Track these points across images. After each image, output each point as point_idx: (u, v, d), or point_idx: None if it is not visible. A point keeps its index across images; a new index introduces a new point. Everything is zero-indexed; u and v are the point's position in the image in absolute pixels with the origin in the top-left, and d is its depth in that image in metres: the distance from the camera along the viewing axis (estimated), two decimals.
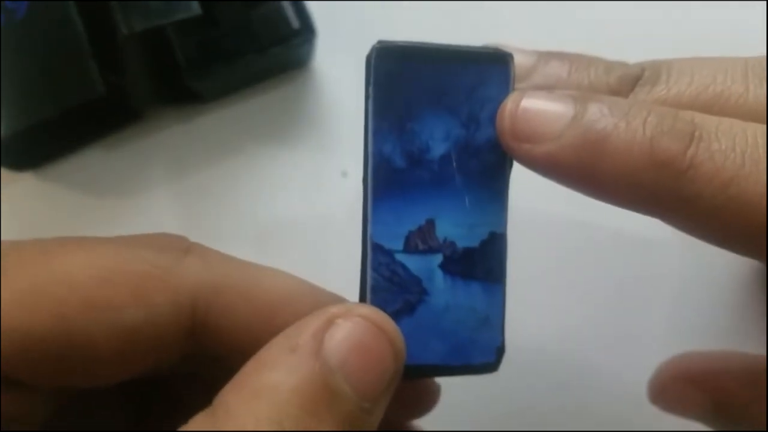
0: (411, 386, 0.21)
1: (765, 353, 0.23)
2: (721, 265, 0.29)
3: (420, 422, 0.23)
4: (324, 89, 0.31)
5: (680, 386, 0.23)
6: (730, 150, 0.16)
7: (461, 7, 0.32)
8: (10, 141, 0.27)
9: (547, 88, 0.19)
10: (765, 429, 0.21)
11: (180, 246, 0.18)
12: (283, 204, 0.30)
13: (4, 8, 0.27)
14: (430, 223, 0.17)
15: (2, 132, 0.26)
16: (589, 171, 0.16)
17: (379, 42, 0.17)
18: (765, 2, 0.32)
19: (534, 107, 0.17)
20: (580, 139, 0.16)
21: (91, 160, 0.30)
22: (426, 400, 0.22)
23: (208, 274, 0.17)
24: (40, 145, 0.29)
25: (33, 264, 0.16)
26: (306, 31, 0.29)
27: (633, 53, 0.32)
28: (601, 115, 0.16)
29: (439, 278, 0.17)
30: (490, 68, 0.17)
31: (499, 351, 0.18)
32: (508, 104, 0.17)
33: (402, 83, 0.17)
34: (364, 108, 0.17)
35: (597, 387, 0.29)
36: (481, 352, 0.18)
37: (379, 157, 0.17)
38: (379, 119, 0.17)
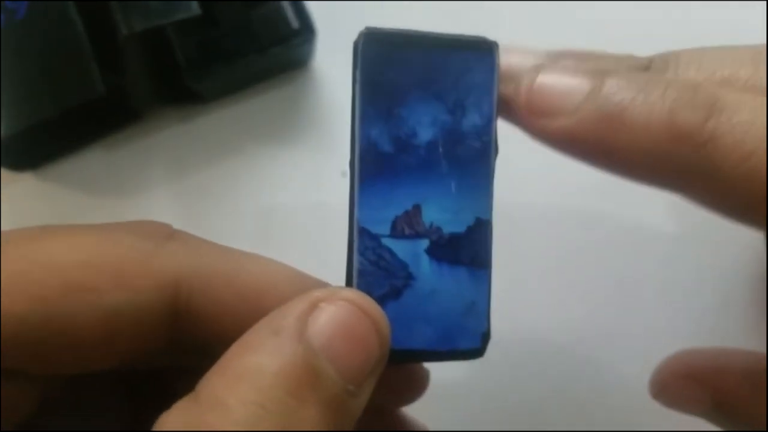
0: (399, 371, 0.21)
1: (766, 351, 0.23)
2: (725, 264, 0.29)
3: (422, 418, 0.23)
4: (324, 89, 0.31)
5: (681, 383, 0.23)
6: (750, 123, 0.15)
7: (461, 7, 0.32)
8: (10, 141, 0.27)
9: None
10: (766, 428, 0.21)
11: (163, 232, 0.18)
12: (283, 204, 0.30)
13: (4, 8, 0.27)
14: (417, 208, 0.17)
15: (2, 132, 0.26)
16: (607, 145, 0.16)
17: (367, 28, 0.17)
18: (765, 2, 0.32)
19: (550, 82, 0.17)
20: (597, 112, 0.16)
21: (91, 160, 0.30)
22: (415, 386, 0.22)
23: (191, 258, 0.17)
24: (40, 145, 0.29)
25: (15, 250, 0.16)
26: (306, 31, 0.29)
27: (633, 52, 0.32)
28: (618, 89, 0.16)
29: (425, 263, 0.17)
30: (475, 56, 0.18)
31: (485, 337, 0.18)
32: (524, 79, 0.17)
33: (389, 69, 0.17)
34: (351, 93, 0.17)
35: (599, 382, 0.29)
36: (467, 338, 0.18)
37: (366, 142, 0.17)
38: (366, 104, 0.17)
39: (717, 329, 0.29)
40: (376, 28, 0.17)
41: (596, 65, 0.18)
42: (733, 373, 0.22)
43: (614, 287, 0.29)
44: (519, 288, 0.29)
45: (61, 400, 0.19)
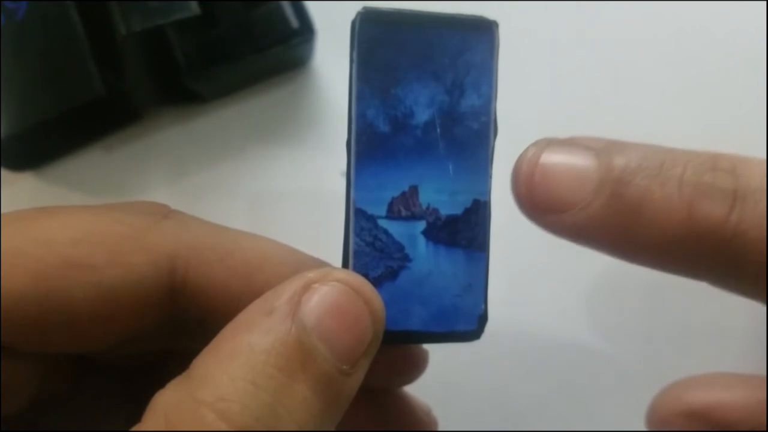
0: (398, 351, 0.21)
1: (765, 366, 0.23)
2: None
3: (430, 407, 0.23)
4: (324, 89, 0.31)
5: (682, 421, 0.23)
6: None
7: (462, 8, 0.32)
8: (10, 141, 0.27)
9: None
10: None
11: (159, 211, 0.18)
12: (283, 204, 0.30)
13: (4, 8, 0.27)
14: (414, 190, 0.17)
15: (2, 132, 0.26)
16: (623, 242, 0.15)
17: (364, 7, 0.17)
18: (765, 2, 0.32)
19: (553, 169, 0.16)
20: (611, 208, 0.15)
21: (91, 160, 0.30)
22: (413, 366, 0.22)
23: (186, 236, 0.17)
24: (40, 145, 0.29)
25: (12, 229, 0.16)
26: (306, 30, 0.29)
27: (631, 51, 0.32)
28: (631, 176, 0.15)
29: (422, 245, 0.17)
30: (474, 35, 0.17)
31: (482, 319, 0.18)
32: (524, 167, 0.16)
33: (386, 48, 0.17)
34: (349, 72, 0.17)
35: (600, 381, 0.29)
36: (464, 320, 0.18)
37: (363, 122, 0.17)
38: (362, 84, 0.17)
39: (718, 328, 0.29)
40: (373, 8, 0.17)
41: (602, 141, 0.17)
42: (734, 405, 0.22)
43: (616, 284, 0.29)
44: (520, 283, 0.29)
45: (64, 399, 0.19)
